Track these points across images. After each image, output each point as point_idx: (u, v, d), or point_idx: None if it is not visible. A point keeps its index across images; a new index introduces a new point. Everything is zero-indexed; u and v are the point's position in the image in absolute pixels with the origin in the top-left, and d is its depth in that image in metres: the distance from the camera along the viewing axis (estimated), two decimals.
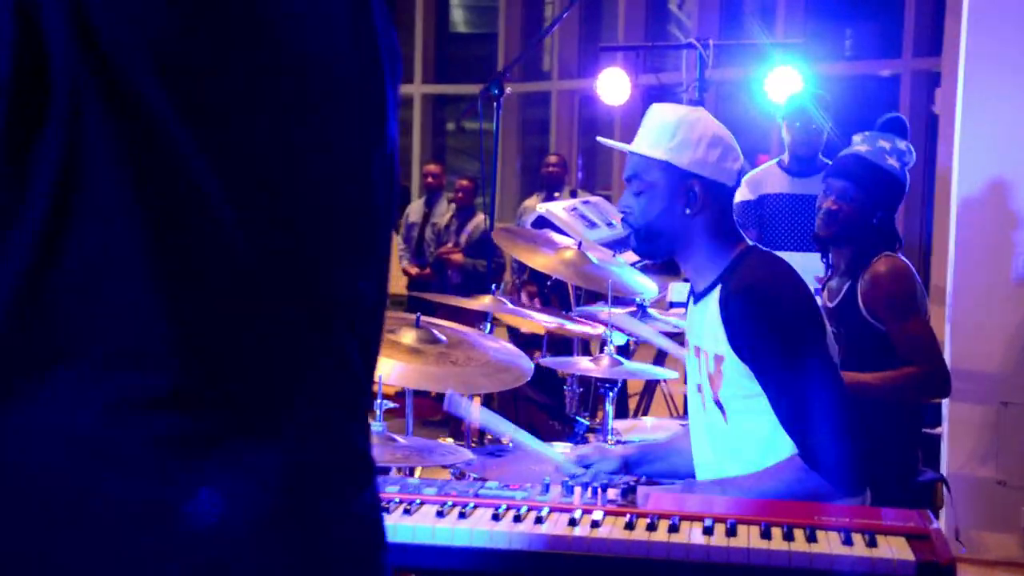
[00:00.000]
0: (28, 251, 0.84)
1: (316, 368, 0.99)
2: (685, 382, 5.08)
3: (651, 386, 5.45)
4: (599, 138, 2.70)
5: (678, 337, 5.47)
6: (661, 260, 2.56)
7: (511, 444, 3.36)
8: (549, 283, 5.87)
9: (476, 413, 2.97)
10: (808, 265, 4.47)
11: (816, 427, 2.25)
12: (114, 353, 0.86)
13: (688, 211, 2.40)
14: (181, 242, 0.88)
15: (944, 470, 4.73)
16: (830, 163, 4.83)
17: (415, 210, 8.50)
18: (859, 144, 3.42)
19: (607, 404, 3.68)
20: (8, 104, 0.81)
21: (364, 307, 1.05)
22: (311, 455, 0.95)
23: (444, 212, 8.35)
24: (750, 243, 2.46)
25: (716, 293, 2.38)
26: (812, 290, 2.46)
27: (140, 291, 0.86)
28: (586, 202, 5.33)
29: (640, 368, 3.82)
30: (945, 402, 4.82)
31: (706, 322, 2.41)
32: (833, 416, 2.26)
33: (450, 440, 4.23)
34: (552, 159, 8.40)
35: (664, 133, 2.41)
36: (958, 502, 4.49)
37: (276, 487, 0.92)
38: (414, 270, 8.25)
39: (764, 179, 5.21)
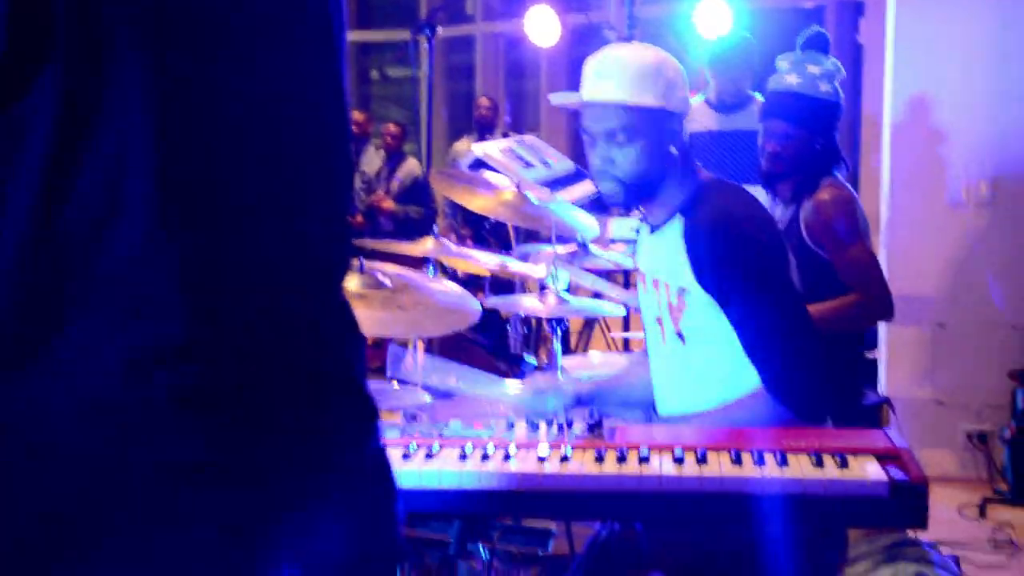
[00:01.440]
0: (36, 183, 0.80)
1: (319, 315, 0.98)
2: (625, 317, 5.13)
3: (590, 323, 5.46)
4: (552, 97, 2.49)
5: (617, 276, 5.48)
6: (642, 204, 2.45)
7: (461, 388, 3.33)
8: (488, 225, 5.83)
9: (421, 365, 2.93)
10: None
11: (781, 358, 2.23)
12: (127, 303, 0.82)
13: (673, 150, 2.35)
14: (185, 183, 0.84)
15: (883, 392, 4.80)
16: (759, 98, 4.83)
17: None
18: (788, 74, 3.37)
19: (554, 342, 3.66)
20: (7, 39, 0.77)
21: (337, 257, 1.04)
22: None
23: (372, 160, 8.25)
24: (708, 173, 2.43)
25: (677, 224, 2.34)
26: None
27: (148, 236, 0.82)
28: (520, 141, 5.27)
29: (586, 305, 3.81)
30: (882, 326, 4.88)
31: (665, 254, 2.37)
32: (798, 347, 2.25)
33: (396, 384, 4.20)
34: (483, 102, 8.32)
35: (647, 79, 2.30)
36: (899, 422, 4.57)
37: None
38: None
39: (692, 117, 5.17)
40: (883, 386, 4.91)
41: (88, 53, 0.80)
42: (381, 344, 5.43)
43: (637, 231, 2.63)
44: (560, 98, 2.45)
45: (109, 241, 0.82)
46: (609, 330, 5.74)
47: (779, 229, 2.39)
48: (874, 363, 4.88)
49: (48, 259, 0.81)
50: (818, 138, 3.33)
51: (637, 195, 2.39)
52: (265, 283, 0.91)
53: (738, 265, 2.25)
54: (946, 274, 4.84)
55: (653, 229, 2.44)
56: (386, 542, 1.05)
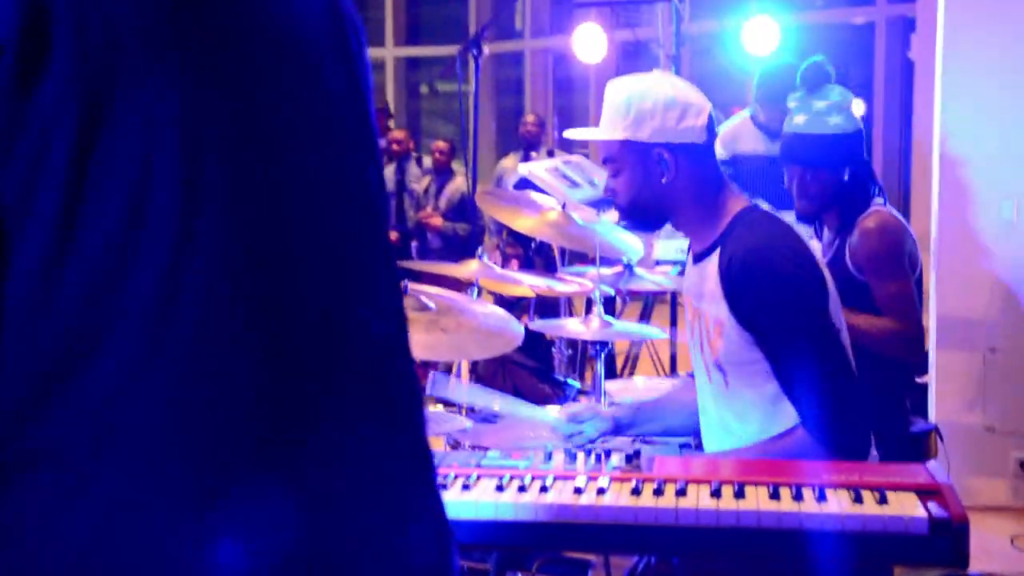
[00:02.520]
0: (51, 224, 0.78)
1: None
2: (672, 340, 5.11)
3: (637, 344, 5.44)
4: (566, 133, 2.68)
5: (662, 296, 5.46)
6: (654, 231, 2.56)
7: (502, 412, 3.33)
8: (533, 245, 5.83)
9: (463, 391, 2.94)
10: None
11: (818, 397, 2.21)
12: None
13: (664, 179, 2.37)
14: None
15: (932, 419, 4.74)
16: None
17: (387, 178, 8.43)
18: (795, 115, 3.34)
19: (597, 365, 3.66)
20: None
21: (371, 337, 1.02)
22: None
23: (418, 175, 8.28)
24: (748, 202, 2.41)
25: (715, 257, 2.33)
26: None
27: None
28: (567, 162, 5.29)
29: (629, 328, 3.79)
30: (932, 351, 4.82)
31: (705, 285, 2.36)
32: (835, 385, 2.22)
33: (440, 408, 4.21)
34: (530, 119, 8.34)
35: (619, 112, 2.38)
36: (948, 450, 4.50)
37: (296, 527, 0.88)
38: (393, 235, 8.19)
39: (737, 136, 5.12)
40: (933, 412, 4.84)
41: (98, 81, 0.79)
42: (427, 366, 5.45)
43: (684, 251, 2.63)
44: (573, 134, 2.64)
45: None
46: (657, 352, 5.72)
47: (817, 261, 2.35)
48: (924, 389, 4.82)
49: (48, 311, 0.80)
50: (841, 170, 3.29)
51: (639, 222, 2.51)
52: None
53: (773, 302, 2.22)
54: (997, 297, 4.77)
55: (696, 258, 2.43)
56: None
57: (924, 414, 4.71)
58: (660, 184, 2.37)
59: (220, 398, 0.84)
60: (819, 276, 2.31)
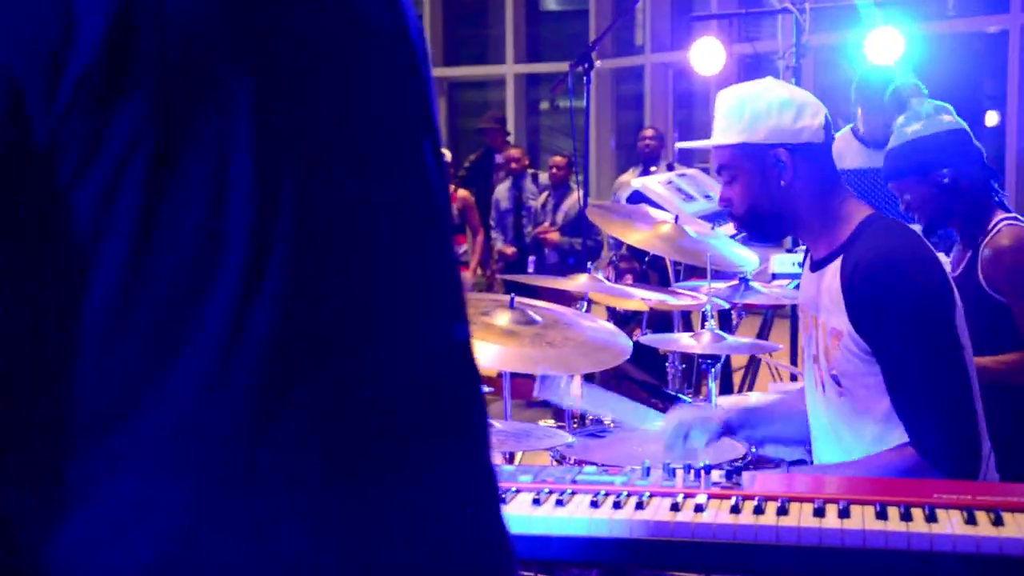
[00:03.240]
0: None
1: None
2: (793, 354, 4.99)
3: (756, 360, 5.33)
4: (677, 144, 2.64)
5: (781, 310, 5.34)
6: (778, 241, 2.47)
7: (612, 425, 3.29)
8: (647, 259, 5.77)
9: (574, 395, 2.90)
10: None
11: (932, 417, 2.12)
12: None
13: (783, 182, 2.29)
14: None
15: None
16: None
17: (503, 195, 8.45)
18: (904, 126, 3.26)
19: (709, 380, 3.59)
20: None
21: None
22: None
23: (535, 191, 8.30)
24: (871, 210, 2.33)
25: (837, 264, 2.25)
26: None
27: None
28: (683, 175, 5.22)
29: (742, 342, 3.72)
30: None
31: (825, 293, 2.28)
32: (949, 403, 2.12)
33: (551, 422, 4.18)
34: (648, 133, 8.27)
35: (732, 116, 2.33)
36: None
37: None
38: (510, 249, 8.21)
39: (842, 153, 4.97)
40: None
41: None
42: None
43: (800, 265, 2.56)
44: (686, 144, 2.55)
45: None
46: (776, 369, 5.60)
47: (944, 271, 2.26)
48: None
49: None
50: (938, 173, 3.16)
51: (759, 232, 2.43)
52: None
53: (895, 314, 2.13)
54: None
55: (815, 265, 2.35)
56: None
57: None
58: (779, 187, 2.30)
59: (286, 422, 0.82)
60: (948, 287, 2.21)
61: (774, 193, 2.31)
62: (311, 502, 0.82)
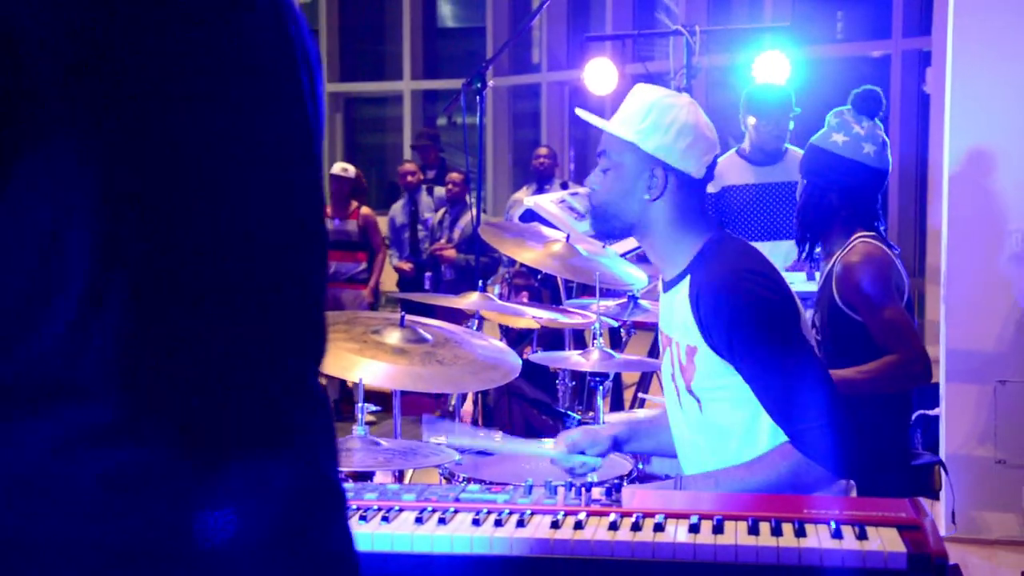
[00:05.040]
0: None
1: (275, 394, 0.95)
2: None
3: (646, 377, 5.41)
4: (577, 110, 2.65)
5: None
6: (614, 241, 2.54)
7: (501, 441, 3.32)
8: (539, 277, 5.82)
9: (457, 432, 2.92)
10: (776, 252, 4.42)
11: (804, 412, 2.21)
12: (53, 385, 0.82)
13: (647, 196, 2.36)
14: (123, 263, 0.83)
15: (943, 451, 4.69)
16: (796, 150, 4.80)
17: (398, 211, 8.44)
18: (836, 133, 3.32)
19: (598, 398, 3.64)
20: None
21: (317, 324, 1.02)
22: (276, 488, 0.92)
23: (431, 205, 8.31)
24: (714, 231, 2.41)
25: (685, 284, 2.34)
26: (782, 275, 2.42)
27: (77, 320, 0.82)
28: (575, 194, 5.28)
29: (630, 359, 3.78)
30: (942, 383, 4.77)
31: (676, 312, 2.37)
32: (819, 398, 2.22)
33: (442, 439, 4.19)
34: (542, 151, 8.35)
35: (636, 114, 2.38)
36: (958, 483, 4.45)
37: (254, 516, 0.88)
38: (407, 265, 8.20)
39: (726, 171, 5.08)
40: (943, 445, 4.79)
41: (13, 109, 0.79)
42: (440, 396, 5.43)
43: None
44: (584, 114, 2.59)
45: (39, 319, 0.81)
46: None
47: (783, 282, 2.35)
48: (936, 421, 4.77)
49: None
50: (829, 194, 3.27)
51: (602, 227, 2.47)
52: (214, 361, 0.90)
53: (744, 325, 2.23)
54: (1007, 329, 4.73)
55: (666, 286, 2.43)
56: None
57: (935, 447, 4.66)
58: (640, 199, 2.36)
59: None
60: (788, 296, 2.32)
61: (634, 201, 2.37)
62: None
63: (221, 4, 0.93)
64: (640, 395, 4.90)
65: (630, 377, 5.61)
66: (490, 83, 4.63)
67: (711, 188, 5.04)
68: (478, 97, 4.63)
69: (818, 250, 3.46)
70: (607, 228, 2.46)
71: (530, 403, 4.21)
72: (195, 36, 0.90)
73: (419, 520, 1.98)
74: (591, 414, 3.82)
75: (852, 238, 3.24)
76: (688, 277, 2.34)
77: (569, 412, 3.82)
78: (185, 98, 0.88)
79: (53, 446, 0.81)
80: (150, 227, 0.85)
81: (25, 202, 0.79)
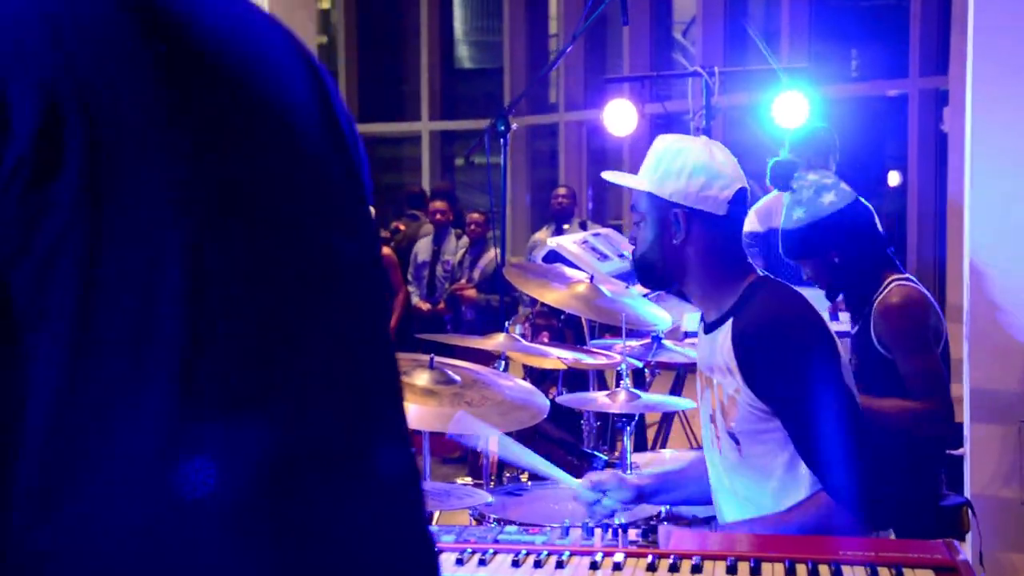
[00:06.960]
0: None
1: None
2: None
3: (668, 416, 5.42)
4: (603, 174, 2.72)
5: (693, 368, 5.43)
6: (660, 290, 2.59)
7: (530, 483, 3.34)
8: (563, 317, 5.85)
9: (487, 438, 2.94)
10: (819, 297, 4.43)
11: (840, 463, 2.22)
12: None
13: (675, 241, 2.40)
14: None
15: (968, 492, 4.68)
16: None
17: (423, 248, 8.46)
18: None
19: (624, 439, 3.65)
20: None
21: None
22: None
23: (454, 248, 8.33)
24: (760, 273, 2.44)
25: (728, 327, 2.36)
26: (826, 319, 2.43)
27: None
28: (596, 234, 5.32)
29: (657, 400, 3.79)
30: (966, 423, 4.77)
31: (717, 354, 2.39)
32: (856, 450, 2.23)
33: (468, 480, 4.21)
34: (561, 191, 8.39)
35: (652, 165, 2.45)
36: (984, 524, 4.43)
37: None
38: (426, 306, 8.21)
39: (773, 210, 5.14)
40: (968, 486, 4.77)
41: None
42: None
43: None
44: (609, 175, 2.67)
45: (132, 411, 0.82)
46: (689, 424, 5.69)
47: (826, 327, 2.37)
48: (961, 461, 4.76)
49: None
50: (830, 254, 3.28)
51: (644, 277, 2.55)
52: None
53: (787, 374, 2.25)
54: None
55: (708, 328, 2.45)
56: None
57: (960, 488, 4.65)
58: (671, 244, 2.41)
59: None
60: (830, 340, 2.33)
61: (666, 247, 2.42)
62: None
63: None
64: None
65: (652, 416, 5.62)
66: (513, 125, 4.67)
67: (759, 227, 5.07)
68: (502, 141, 4.68)
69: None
70: (647, 278, 2.54)
71: (556, 443, 4.22)
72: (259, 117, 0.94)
73: (459, 562, 2.00)
74: (616, 454, 3.83)
75: (886, 282, 3.26)
76: (731, 319, 2.36)
77: (596, 452, 3.83)
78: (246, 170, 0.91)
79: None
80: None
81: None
